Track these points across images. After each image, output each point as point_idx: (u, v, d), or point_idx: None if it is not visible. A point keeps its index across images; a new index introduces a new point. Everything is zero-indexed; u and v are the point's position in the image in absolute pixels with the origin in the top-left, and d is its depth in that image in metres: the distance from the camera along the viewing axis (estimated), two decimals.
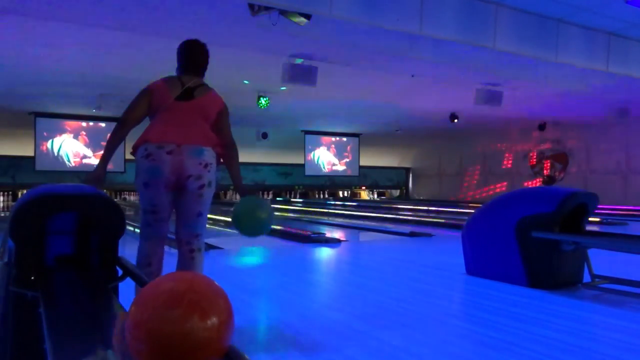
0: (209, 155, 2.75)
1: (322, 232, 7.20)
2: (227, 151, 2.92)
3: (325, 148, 19.41)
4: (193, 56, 2.92)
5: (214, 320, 1.36)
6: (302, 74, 7.72)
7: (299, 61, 7.71)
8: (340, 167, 19.73)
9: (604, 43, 7.82)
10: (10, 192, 15.30)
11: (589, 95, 10.70)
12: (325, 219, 10.85)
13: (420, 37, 6.38)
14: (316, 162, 19.19)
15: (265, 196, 19.50)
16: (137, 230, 3.08)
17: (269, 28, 5.81)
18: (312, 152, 19.10)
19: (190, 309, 1.34)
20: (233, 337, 1.46)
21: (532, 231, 3.78)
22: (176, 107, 2.73)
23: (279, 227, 7.94)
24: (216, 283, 1.49)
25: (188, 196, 2.73)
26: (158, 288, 1.42)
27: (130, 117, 2.75)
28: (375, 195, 21.72)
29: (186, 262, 2.90)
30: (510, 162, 18.24)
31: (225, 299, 1.46)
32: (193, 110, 2.75)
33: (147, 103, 2.77)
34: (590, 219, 4.17)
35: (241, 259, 5.24)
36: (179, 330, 1.32)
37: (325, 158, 19.38)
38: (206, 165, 2.72)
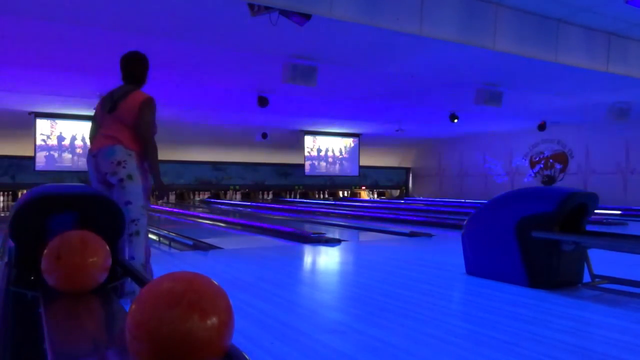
0: (122, 153, 3.22)
1: (322, 232, 7.20)
2: (143, 148, 3.32)
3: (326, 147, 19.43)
4: (129, 70, 3.49)
5: (214, 320, 1.36)
6: (302, 74, 7.72)
7: (298, 62, 7.70)
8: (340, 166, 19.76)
9: (604, 43, 7.82)
10: (10, 192, 15.30)
11: (589, 95, 10.70)
12: (325, 218, 10.86)
13: (420, 37, 6.37)
14: (317, 161, 19.19)
15: (266, 196, 19.53)
16: None
17: (269, 28, 5.81)
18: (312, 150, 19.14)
19: (190, 308, 1.34)
20: (233, 337, 1.46)
21: (532, 231, 3.78)
22: (105, 120, 3.36)
23: (279, 227, 7.95)
24: (216, 283, 1.49)
25: (114, 189, 3.24)
26: (158, 288, 1.42)
27: (90, 135, 3.48)
28: (375, 195, 21.72)
29: (126, 245, 3.24)
30: (510, 162, 18.25)
31: (226, 299, 1.46)
32: (114, 119, 3.31)
33: (94, 121, 3.49)
34: (590, 219, 4.17)
35: (241, 259, 5.24)
36: (179, 329, 1.32)
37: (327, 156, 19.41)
38: (119, 163, 3.20)
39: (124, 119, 3.28)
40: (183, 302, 1.35)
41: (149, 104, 3.30)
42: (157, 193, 3.43)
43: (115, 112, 3.30)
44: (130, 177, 3.20)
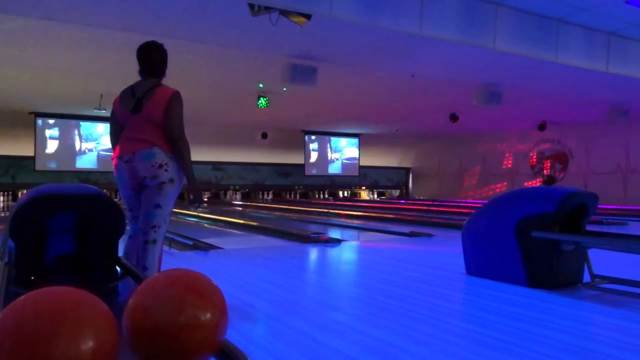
0: (162, 156, 2.98)
1: (322, 232, 7.20)
2: (173, 147, 3.03)
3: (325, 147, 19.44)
4: (146, 60, 3.14)
5: (208, 315, 1.38)
6: (302, 74, 7.72)
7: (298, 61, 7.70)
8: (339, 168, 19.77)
9: (604, 43, 7.82)
10: (10, 192, 15.29)
11: (589, 95, 10.70)
12: (324, 218, 10.86)
13: (420, 37, 6.38)
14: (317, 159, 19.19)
15: (266, 196, 19.52)
16: None
17: (269, 28, 5.81)
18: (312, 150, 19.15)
19: (184, 304, 1.36)
20: (233, 337, 1.46)
21: (532, 231, 3.78)
22: (131, 121, 3.07)
23: (279, 227, 7.95)
24: (212, 281, 1.51)
25: (148, 190, 3.01)
26: (154, 284, 1.43)
27: (111, 136, 3.25)
28: (375, 195, 21.73)
29: (140, 253, 3.01)
30: (510, 162, 18.24)
31: (220, 295, 1.47)
32: (142, 120, 3.03)
33: (113, 120, 3.21)
34: (590, 219, 4.17)
35: (241, 259, 5.24)
36: (174, 324, 1.33)
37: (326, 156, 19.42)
38: (161, 166, 2.97)
39: (153, 118, 3.00)
40: (178, 297, 1.37)
41: (177, 99, 3.04)
42: (191, 197, 3.14)
43: (141, 112, 3.02)
44: (172, 180, 2.99)
